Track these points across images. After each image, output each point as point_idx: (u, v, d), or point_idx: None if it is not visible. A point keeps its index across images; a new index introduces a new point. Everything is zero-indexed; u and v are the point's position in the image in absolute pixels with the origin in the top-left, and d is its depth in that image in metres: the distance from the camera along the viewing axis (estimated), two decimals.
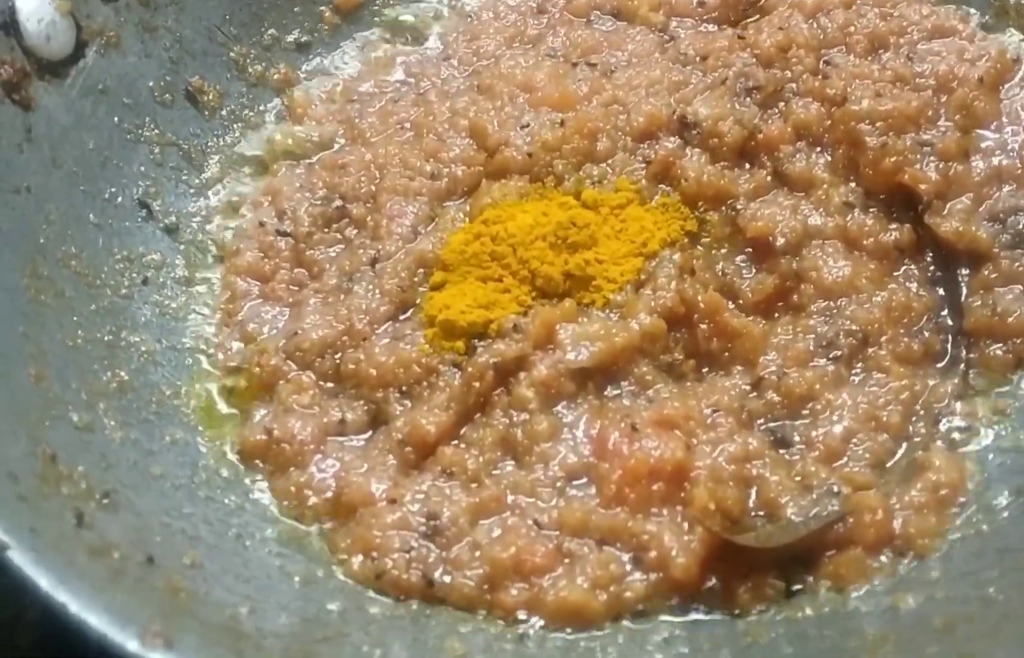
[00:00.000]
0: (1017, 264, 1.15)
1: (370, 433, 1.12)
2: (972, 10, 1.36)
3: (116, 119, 1.30)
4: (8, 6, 1.22)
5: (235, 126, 1.39)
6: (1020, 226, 1.17)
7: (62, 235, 1.19)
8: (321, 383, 1.16)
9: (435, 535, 1.03)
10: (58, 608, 0.83)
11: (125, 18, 1.32)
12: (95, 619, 0.83)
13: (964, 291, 1.18)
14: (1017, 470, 1.03)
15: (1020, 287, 1.14)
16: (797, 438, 1.08)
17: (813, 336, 1.14)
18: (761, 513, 1.05)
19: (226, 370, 1.19)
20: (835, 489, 1.04)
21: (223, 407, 1.16)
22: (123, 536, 0.95)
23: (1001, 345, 1.13)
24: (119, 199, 1.26)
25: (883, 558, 0.99)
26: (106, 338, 1.16)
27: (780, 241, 1.21)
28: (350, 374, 1.15)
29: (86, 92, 1.27)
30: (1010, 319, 1.12)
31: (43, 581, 0.84)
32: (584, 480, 1.07)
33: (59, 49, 1.26)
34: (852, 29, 1.33)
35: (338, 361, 1.17)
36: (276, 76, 1.43)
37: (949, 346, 1.14)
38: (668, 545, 1.00)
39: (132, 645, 0.82)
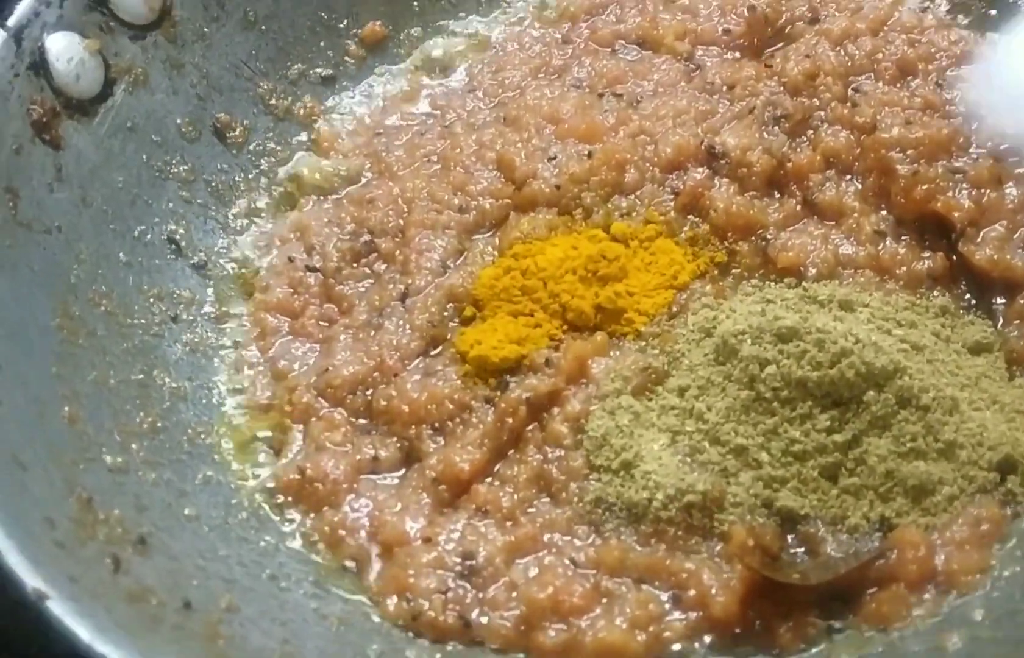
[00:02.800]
0: None
1: (403, 471, 1.12)
2: (999, 36, 1.35)
3: (144, 156, 1.30)
4: (37, 46, 1.22)
5: (262, 161, 1.39)
6: None
7: (93, 274, 1.19)
8: (353, 420, 1.16)
9: (471, 575, 1.02)
10: None
11: (152, 56, 1.33)
12: None
13: (1000, 320, 1.17)
14: None
15: None
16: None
17: None
18: (801, 549, 1.04)
19: (257, 408, 1.18)
20: (876, 525, 1.03)
21: (255, 445, 1.16)
22: (160, 581, 0.95)
23: None
24: (148, 237, 1.26)
25: (926, 596, 0.98)
26: (138, 377, 1.16)
27: (811, 271, 1.21)
28: (382, 411, 1.15)
29: (115, 130, 1.27)
30: None
31: (83, 632, 0.83)
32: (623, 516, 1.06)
33: (88, 88, 1.26)
34: (880, 56, 1.33)
35: (370, 398, 1.16)
36: (302, 110, 1.43)
37: None
38: (707, 583, 1.00)
39: None
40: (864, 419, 1.05)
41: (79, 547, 0.93)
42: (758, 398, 1.08)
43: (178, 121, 1.34)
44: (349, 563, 1.06)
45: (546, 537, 1.05)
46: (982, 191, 1.21)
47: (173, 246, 1.28)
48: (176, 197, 1.31)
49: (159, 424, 1.13)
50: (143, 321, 1.21)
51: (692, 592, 1.00)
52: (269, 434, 1.17)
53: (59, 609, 0.84)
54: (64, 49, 1.24)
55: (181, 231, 1.29)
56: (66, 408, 1.06)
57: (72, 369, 1.10)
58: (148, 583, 0.93)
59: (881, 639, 0.96)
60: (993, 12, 1.36)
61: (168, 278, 1.26)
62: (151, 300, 1.23)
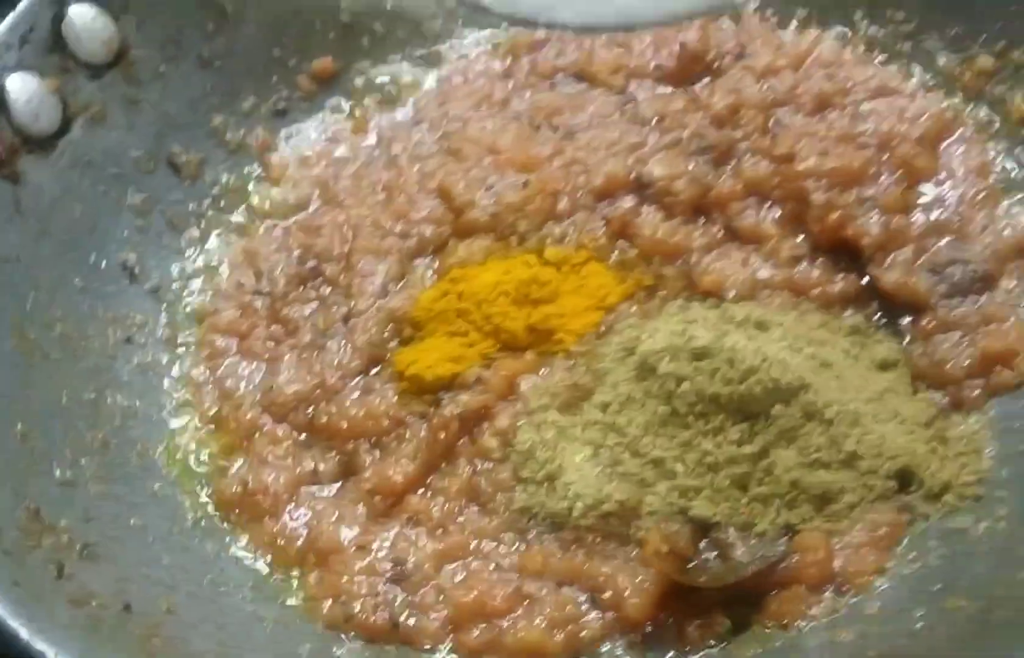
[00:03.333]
0: (954, 313, 1.21)
1: (341, 483, 1.18)
2: (916, 69, 1.42)
3: (102, 188, 1.36)
4: None
5: (215, 191, 1.45)
6: (956, 277, 1.23)
7: (50, 300, 1.25)
8: (295, 435, 1.22)
9: (401, 580, 1.09)
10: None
11: (110, 94, 1.39)
12: None
13: (907, 338, 1.24)
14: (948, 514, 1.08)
15: (957, 335, 1.20)
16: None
17: None
18: (712, 554, 1.10)
19: (205, 424, 1.25)
20: (782, 531, 1.09)
21: (202, 460, 1.22)
22: (102, 586, 1.01)
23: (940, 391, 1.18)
24: (104, 264, 1.33)
25: (825, 595, 1.04)
26: (90, 396, 1.22)
27: (731, 292, 1.28)
28: (323, 427, 1.21)
29: (73, 164, 1.34)
30: (947, 366, 1.18)
31: (23, 631, 0.89)
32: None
33: (47, 125, 1.32)
34: (800, 90, 1.40)
35: (311, 414, 1.22)
36: (255, 142, 1.49)
37: None
38: (622, 585, 1.06)
39: None
40: (772, 432, 1.12)
41: (25, 554, 0.99)
42: (675, 413, 1.14)
43: (135, 155, 1.40)
44: (288, 569, 1.12)
45: (474, 544, 1.11)
46: (890, 218, 1.28)
47: (128, 272, 1.34)
48: (132, 226, 1.37)
49: (110, 441, 1.19)
50: (97, 344, 1.27)
51: (608, 594, 1.06)
52: (216, 449, 1.22)
53: (2, 611, 0.90)
54: (23, 89, 1.30)
55: (136, 258, 1.36)
56: (19, 425, 1.12)
57: (25, 388, 1.16)
58: (91, 588, 0.99)
59: (781, 635, 1.02)
60: (906, 46, 1.44)
61: (122, 303, 1.32)
62: (106, 324, 1.29)
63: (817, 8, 1.49)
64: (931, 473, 1.11)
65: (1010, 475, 1.08)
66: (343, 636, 1.06)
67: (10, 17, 1.32)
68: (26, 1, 1.33)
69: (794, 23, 1.51)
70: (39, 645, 0.88)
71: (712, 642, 1.03)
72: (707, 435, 1.13)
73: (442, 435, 1.18)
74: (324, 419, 1.21)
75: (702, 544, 1.11)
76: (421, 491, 1.16)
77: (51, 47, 1.35)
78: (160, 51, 1.45)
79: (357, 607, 1.07)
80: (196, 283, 1.38)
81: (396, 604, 1.07)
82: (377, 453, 1.19)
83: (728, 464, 1.11)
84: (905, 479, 1.11)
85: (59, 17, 1.36)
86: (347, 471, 1.19)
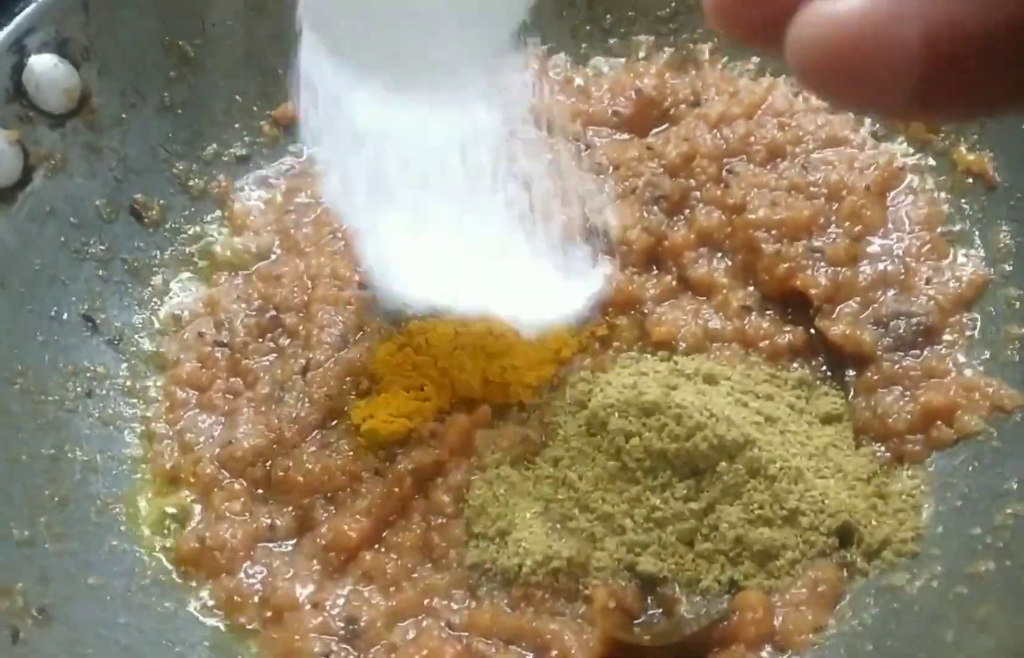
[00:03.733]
0: (897, 366, 1.24)
1: (296, 539, 1.20)
2: (866, 120, 1.45)
3: (62, 238, 1.37)
4: None
5: (178, 239, 1.46)
6: (900, 330, 1.26)
7: (8, 353, 1.26)
8: (252, 490, 1.24)
9: (354, 638, 1.11)
10: None
11: (71, 142, 1.40)
12: None
13: (851, 392, 1.26)
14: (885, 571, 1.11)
15: (899, 388, 1.23)
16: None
17: None
18: (658, 611, 1.13)
19: (164, 479, 1.26)
20: (726, 587, 1.12)
21: (161, 515, 1.24)
22: (57, 649, 1.03)
23: (881, 445, 1.21)
24: (64, 315, 1.34)
25: (764, 654, 1.08)
26: (50, 452, 1.23)
27: (683, 344, 1.30)
28: (279, 481, 1.23)
29: (33, 215, 1.35)
30: (889, 420, 1.21)
31: None
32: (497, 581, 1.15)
33: (7, 177, 1.33)
34: (752, 139, 1.42)
35: (269, 469, 1.24)
36: (217, 189, 1.51)
37: None
38: (568, 644, 1.09)
39: None
40: (717, 488, 1.15)
41: None
42: (624, 468, 1.17)
43: (96, 203, 1.41)
44: (243, 627, 1.14)
45: (426, 601, 1.14)
46: (838, 269, 1.30)
47: (89, 323, 1.35)
48: (93, 276, 1.38)
49: (68, 497, 1.20)
50: (57, 396, 1.28)
51: (554, 653, 1.09)
52: (175, 504, 1.24)
53: None
54: None
55: (97, 308, 1.37)
56: None
57: None
58: (46, 652, 1.01)
59: None
60: None
61: (83, 355, 1.33)
62: (66, 376, 1.30)
63: (769, 57, 1.51)
64: (871, 529, 1.14)
65: (945, 532, 1.11)
66: None
67: None
68: None
69: (749, 69, 1.53)
70: None
71: None
72: (655, 490, 1.16)
73: (396, 490, 1.20)
74: (281, 474, 1.23)
75: (649, 600, 1.14)
76: (376, 547, 1.19)
77: (11, 97, 1.36)
78: (121, 98, 1.46)
79: None
80: (158, 333, 1.39)
81: None
82: (332, 509, 1.21)
83: (675, 520, 1.14)
84: (845, 535, 1.14)
85: (19, 67, 1.36)
86: (303, 527, 1.21)
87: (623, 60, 1.58)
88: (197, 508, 1.24)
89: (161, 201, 1.47)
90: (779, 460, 1.16)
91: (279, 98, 1.56)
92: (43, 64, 1.38)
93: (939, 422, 1.19)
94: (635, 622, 1.12)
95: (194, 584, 1.18)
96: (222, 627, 1.15)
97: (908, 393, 1.22)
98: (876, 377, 1.24)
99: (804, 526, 1.14)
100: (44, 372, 1.29)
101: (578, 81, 1.57)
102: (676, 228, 1.39)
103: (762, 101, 1.47)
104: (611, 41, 1.59)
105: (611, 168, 1.45)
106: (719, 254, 1.37)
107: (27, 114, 1.37)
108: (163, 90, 1.49)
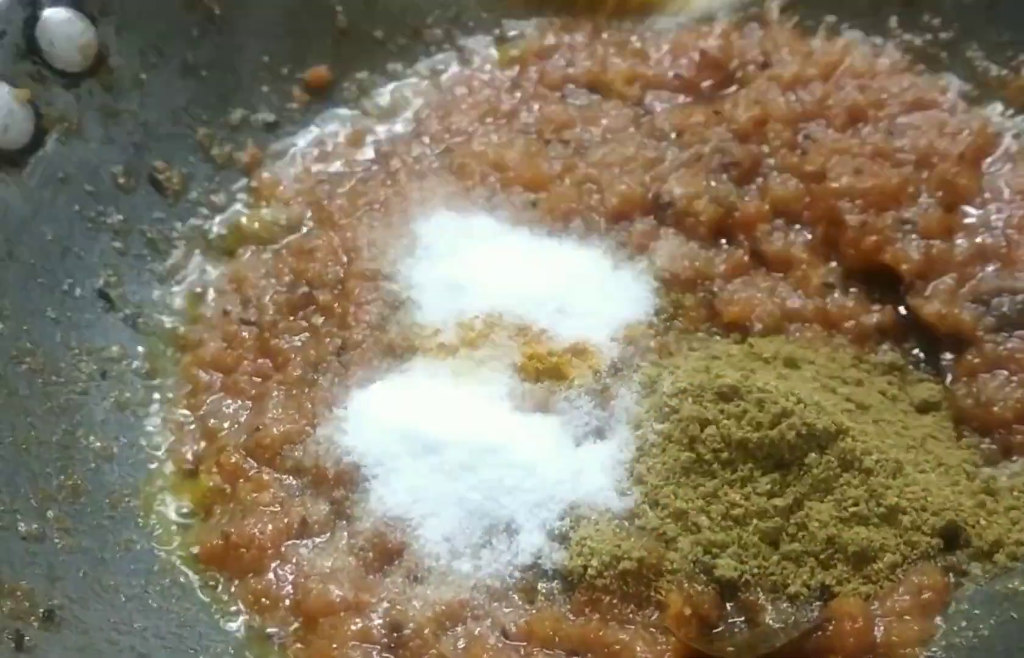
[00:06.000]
0: (1002, 348, 1.11)
1: (329, 534, 1.07)
2: (952, 81, 1.32)
3: (77, 207, 1.26)
4: None
5: (201, 210, 1.35)
6: (1004, 308, 1.13)
7: (17, 331, 1.15)
8: (281, 479, 1.12)
9: (398, 647, 0.99)
10: None
11: (87, 104, 1.29)
12: None
13: (949, 377, 1.14)
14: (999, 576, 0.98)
15: (1005, 373, 1.10)
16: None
17: None
18: (740, 618, 1.00)
19: (186, 468, 1.15)
20: (817, 593, 0.99)
21: (182, 507, 1.12)
22: (65, 656, 0.91)
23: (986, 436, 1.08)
24: (78, 290, 1.23)
25: None
26: (60, 438, 1.12)
27: (758, 325, 1.18)
28: (312, 470, 1.11)
29: (45, 181, 1.24)
30: (995, 408, 1.08)
31: None
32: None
33: (17, 138, 1.23)
34: (830, 102, 1.31)
35: (300, 456, 1.12)
36: (244, 157, 1.40)
37: None
38: (641, 655, 0.96)
39: None
40: (806, 482, 1.02)
41: None
42: (698, 459, 1.05)
43: (113, 170, 1.30)
44: (272, 632, 1.02)
45: (478, 600, 1.01)
46: (931, 243, 1.18)
47: (104, 300, 1.24)
48: (109, 249, 1.27)
49: (80, 487, 1.09)
50: (69, 378, 1.17)
51: None
52: (197, 496, 1.13)
53: None
54: None
55: (113, 283, 1.26)
56: None
57: None
58: None
59: None
60: (944, 55, 1.34)
61: (98, 333, 1.22)
62: (79, 356, 1.19)
63: (847, 14, 1.39)
64: (979, 530, 1.02)
65: None
66: None
67: None
68: None
69: (822, 30, 1.40)
70: None
71: None
72: (734, 485, 1.03)
73: None
74: (313, 462, 1.11)
75: (728, 607, 1.01)
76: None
77: (23, 54, 1.25)
78: (141, 58, 1.34)
79: None
80: (179, 311, 1.28)
81: None
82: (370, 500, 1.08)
83: (757, 517, 1.02)
84: (951, 536, 1.01)
85: (32, 20, 1.26)
86: (338, 519, 1.08)
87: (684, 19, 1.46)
88: (221, 500, 1.11)
89: (183, 169, 1.36)
90: (875, 451, 1.03)
91: (311, 60, 1.44)
92: (57, 18, 1.28)
93: None
94: (714, 631, 1.00)
95: (217, 584, 1.05)
96: (248, 633, 1.02)
97: (1015, 378, 1.09)
98: (978, 360, 1.12)
99: (905, 525, 1.01)
100: (55, 351, 1.17)
101: (635, 42, 1.45)
102: (747, 198, 1.26)
103: (840, 61, 1.35)
104: None
105: (674, 134, 1.33)
106: (796, 226, 1.24)
107: (40, 73, 1.26)
108: (186, 50, 1.38)
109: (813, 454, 1.02)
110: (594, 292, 1.21)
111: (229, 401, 1.20)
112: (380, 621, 1.00)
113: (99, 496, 1.10)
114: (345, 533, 1.07)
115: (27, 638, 0.90)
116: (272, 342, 1.23)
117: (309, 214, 1.35)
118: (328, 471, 1.09)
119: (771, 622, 0.99)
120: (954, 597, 0.99)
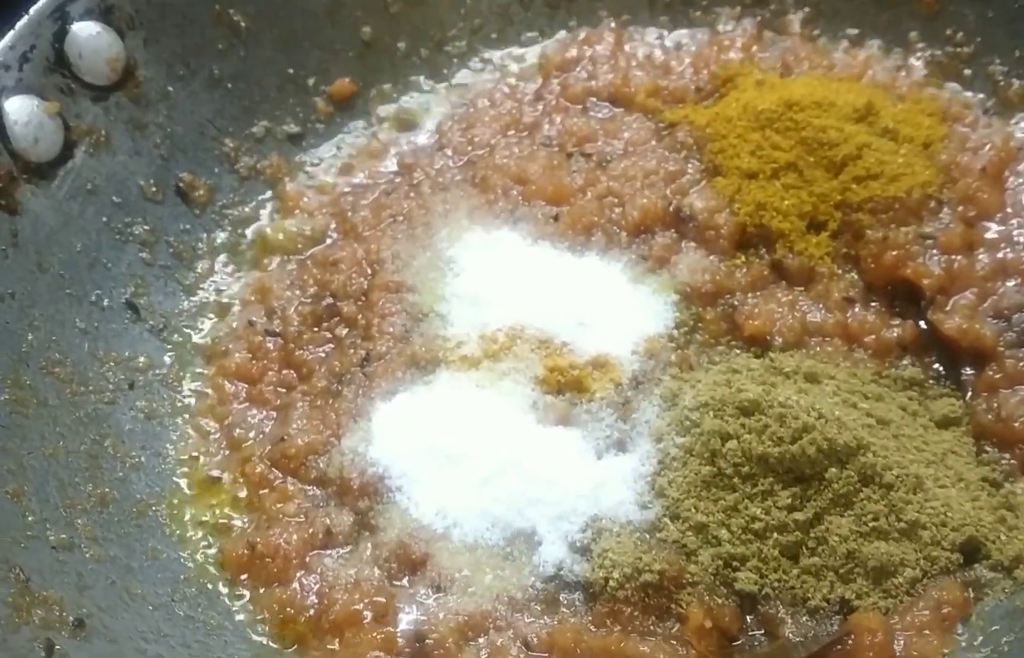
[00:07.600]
0: (1022, 364, 1.11)
1: (353, 545, 1.09)
2: (975, 95, 1.33)
3: (105, 219, 1.28)
4: None
5: (226, 221, 1.37)
6: None
7: (47, 341, 1.17)
8: (306, 490, 1.14)
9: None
10: None
11: (115, 117, 1.31)
12: None
13: (969, 392, 1.14)
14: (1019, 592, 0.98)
15: None
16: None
17: None
18: (760, 631, 1.01)
19: (211, 478, 1.16)
20: (836, 607, 1.00)
21: (208, 517, 1.13)
22: None
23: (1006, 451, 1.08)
24: (106, 301, 1.25)
25: None
26: (89, 448, 1.13)
27: (778, 340, 1.18)
28: (336, 481, 1.13)
29: (74, 193, 1.26)
30: (1016, 424, 1.08)
31: None
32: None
33: (47, 151, 1.24)
34: None
35: (325, 467, 1.14)
36: (268, 169, 1.41)
37: None
38: None
39: None
40: (826, 497, 1.03)
41: (12, 633, 0.90)
42: (719, 473, 1.05)
43: (140, 182, 1.32)
44: (298, 641, 1.04)
45: (499, 610, 1.02)
46: (953, 257, 1.18)
47: (132, 310, 1.26)
48: (136, 260, 1.29)
49: (108, 497, 1.10)
50: (97, 388, 1.18)
51: None
52: (222, 506, 1.14)
53: None
54: (22, 112, 1.22)
55: (141, 294, 1.27)
56: (11, 484, 1.03)
57: (19, 441, 1.08)
58: None
59: None
60: (968, 72, 1.34)
61: (125, 343, 1.23)
62: (107, 366, 1.20)
63: (868, 27, 1.39)
64: (999, 545, 1.02)
65: None
66: None
67: (9, 35, 1.24)
68: (26, 18, 1.25)
69: (844, 43, 1.41)
70: None
71: None
72: (754, 499, 1.04)
73: None
74: (337, 473, 1.12)
75: (748, 620, 1.02)
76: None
77: (53, 67, 1.26)
78: (168, 71, 1.36)
79: None
80: (205, 321, 1.29)
81: None
82: (394, 512, 1.10)
83: (777, 531, 1.02)
84: (971, 551, 1.02)
85: (61, 35, 1.27)
86: (362, 530, 1.09)
87: (705, 32, 1.47)
88: (246, 510, 1.13)
89: (209, 181, 1.37)
90: (895, 466, 1.03)
91: (335, 73, 1.46)
92: (86, 32, 1.29)
93: None
94: (734, 643, 1.00)
95: (243, 593, 1.07)
96: (273, 643, 1.03)
97: None
98: (999, 376, 1.12)
99: (925, 540, 1.01)
100: (84, 361, 1.19)
101: (658, 54, 1.45)
102: None
103: (861, 75, 1.35)
104: (692, 12, 1.48)
105: (695, 146, 1.33)
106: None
107: (68, 86, 1.28)
108: (212, 63, 1.39)
109: (833, 469, 1.02)
110: (615, 305, 1.21)
111: (254, 411, 1.21)
112: (403, 631, 1.01)
113: (126, 505, 1.11)
114: (369, 544, 1.08)
115: (57, 646, 0.92)
116: (297, 353, 1.24)
117: (333, 225, 1.37)
118: (352, 482, 1.10)
119: (791, 635, 0.99)
120: (974, 612, 0.99)
